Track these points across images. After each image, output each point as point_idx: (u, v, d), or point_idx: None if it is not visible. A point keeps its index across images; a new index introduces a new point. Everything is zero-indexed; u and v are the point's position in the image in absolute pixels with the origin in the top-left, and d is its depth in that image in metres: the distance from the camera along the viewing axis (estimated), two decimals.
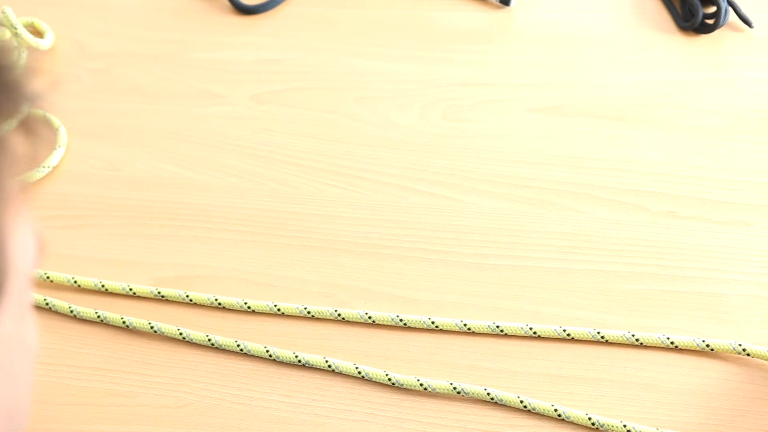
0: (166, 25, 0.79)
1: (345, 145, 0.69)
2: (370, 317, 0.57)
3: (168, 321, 0.58)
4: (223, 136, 0.70)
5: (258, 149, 0.69)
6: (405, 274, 0.60)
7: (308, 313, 0.58)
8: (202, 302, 0.59)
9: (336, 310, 0.58)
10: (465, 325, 0.56)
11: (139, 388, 0.55)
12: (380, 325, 0.57)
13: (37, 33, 0.78)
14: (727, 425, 0.52)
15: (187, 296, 0.59)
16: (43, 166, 0.67)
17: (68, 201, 0.66)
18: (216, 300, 0.59)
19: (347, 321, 0.57)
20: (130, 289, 0.59)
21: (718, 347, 0.55)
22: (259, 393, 0.54)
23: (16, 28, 0.73)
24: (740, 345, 0.54)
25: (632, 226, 0.62)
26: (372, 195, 0.65)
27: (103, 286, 0.59)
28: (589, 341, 0.56)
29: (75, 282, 0.60)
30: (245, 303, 0.58)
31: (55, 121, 0.70)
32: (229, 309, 0.58)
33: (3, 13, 0.74)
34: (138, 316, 0.58)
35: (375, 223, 0.63)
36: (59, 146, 0.68)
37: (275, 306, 0.58)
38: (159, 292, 0.59)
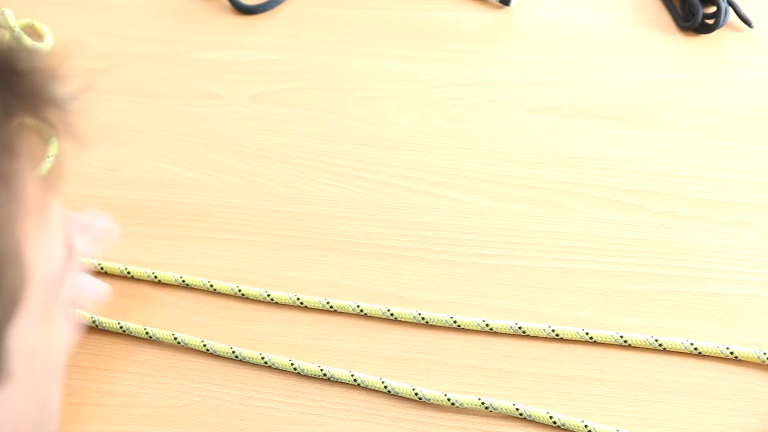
0: (166, 25, 0.79)
1: (345, 145, 0.69)
2: (392, 313, 0.57)
3: (166, 321, 0.58)
4: (223, 136, 0.70)
5: (258, 149, 0.69)
6: (405, 274, 0.60)
7: (300, 303, 0.58)
8: (195, 286, 0.59)
9: (329, 304, 0.58)
10: (487, 325, 0.56)
11: (139, 388, 0.55)
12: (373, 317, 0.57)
13: (37, 35, 0.78)
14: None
15: (182, 280, 0.59)
16: None
17: (68, 201, 0.66)
18: (211, 285, 0.59)
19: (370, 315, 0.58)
20: (128, 271, 0.60)
21: (742, 355, 0.54)
22: (259, 393, 0.54)
23: (14, 31, 0.73)
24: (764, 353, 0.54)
25: (632, 226, 0.62)
26: (372, 195, 0.65)
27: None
28: (613, 344, 0.55)
29: None
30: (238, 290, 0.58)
31: (48, 131, 0.69)
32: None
33: (2, 15, 0.74)
34: (135, 318, 0.58)
35: (375, 223, 0.63)
36: (48, 157, 0.67)
37: (268, 296, 0.58)
38: (155, 275, 0.60)
